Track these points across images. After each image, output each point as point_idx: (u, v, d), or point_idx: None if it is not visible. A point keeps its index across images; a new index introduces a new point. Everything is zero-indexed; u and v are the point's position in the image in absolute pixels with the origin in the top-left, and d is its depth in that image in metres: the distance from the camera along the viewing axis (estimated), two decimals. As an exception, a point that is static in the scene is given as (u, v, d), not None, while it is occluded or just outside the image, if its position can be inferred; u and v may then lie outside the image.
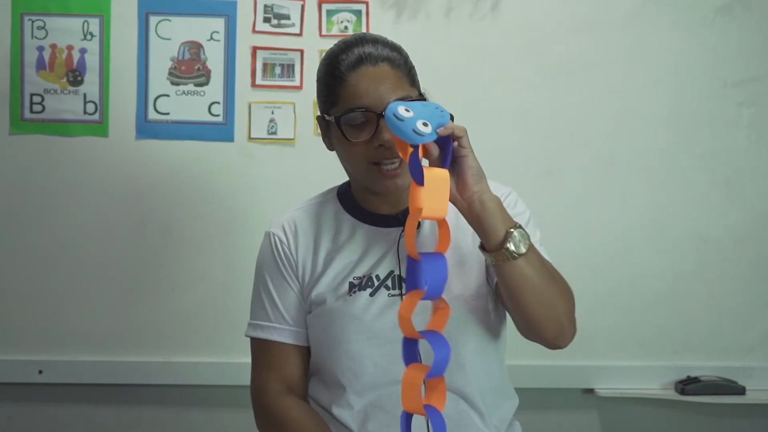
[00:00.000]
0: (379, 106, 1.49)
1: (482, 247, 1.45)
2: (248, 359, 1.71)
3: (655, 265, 2.63)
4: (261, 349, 1.67)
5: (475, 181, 1.42)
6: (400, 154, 1.34)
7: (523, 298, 1.45)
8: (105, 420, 2.60)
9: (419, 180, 1.28)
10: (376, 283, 1.59)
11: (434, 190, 1.28)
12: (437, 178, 1.30)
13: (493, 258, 1.42)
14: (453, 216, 1.48)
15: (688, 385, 2.60)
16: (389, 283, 1.59)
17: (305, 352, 1.67)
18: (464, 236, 1.60)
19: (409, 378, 1.26)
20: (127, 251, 2.55)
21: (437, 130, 1.34)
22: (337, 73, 1.53)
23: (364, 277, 1.60)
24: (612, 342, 2.63)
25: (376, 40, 1.56)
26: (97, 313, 2.55)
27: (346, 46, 1.56)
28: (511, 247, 1.41)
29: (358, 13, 2.54)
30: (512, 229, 1.42)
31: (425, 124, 1.32)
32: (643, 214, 2.62)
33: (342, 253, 1.62)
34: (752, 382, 2.64)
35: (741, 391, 2.61)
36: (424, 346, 1.30)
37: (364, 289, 1.59)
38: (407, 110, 1.32)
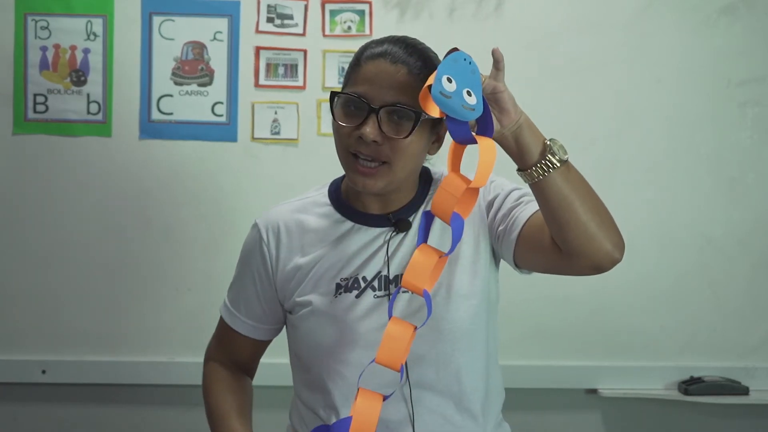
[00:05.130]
0: (375, 100, 1.46)
1: (521, 170, 1.44)
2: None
3: (659, 265, 2.63)
4: (223, 327, 1.72)
5: (514, 107, 1.42)
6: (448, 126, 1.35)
7: (578, 207, 1.42)
8: (108, 420, 2.60)
9: (468, 140, 1.33)
10: (363, 285, 1.57)
11: (485, 160, 1.32)
12: (488, 147, 1.33)
13: (539, 171, 1.41)
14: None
15: (691, 385, 2.60)
16: (375, 284, 1.56)
17: (260, 344, 1.71)
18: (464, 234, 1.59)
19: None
20: (130, 251, 2.55)
21: (483, 92, 1.36)
22: (358, 59, 1.52)
23: (350, 278, 1.57)
24: (615, 342, 2.63)
25: (413, 45, 1.53)
26: (100, 313, 2.55)
27: (383, 39, 1.54)
28: (553, 159, 1.41)
29: (361, 13, 2.54)
30: (547, 141, 1.43)
31: (469, 93, 1.33)
32: (647, 214, 2.62)
33: (330, 253, 1.59)
34: (755, 382, 2.64)
35: (744, 391, 2.61)
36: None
37: (350, 291, 1.56)
38: (450, 80, 1.32)
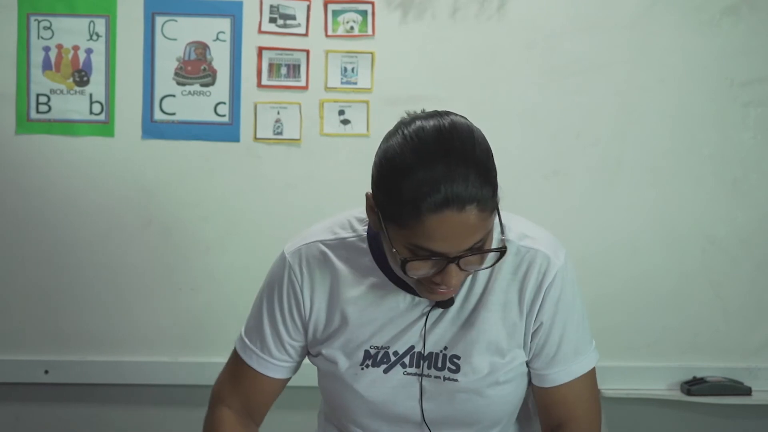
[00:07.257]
0: (454, 252, 1.27)
1: None
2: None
3: (662, 265, 2.63)
4: (239, 365, 1.57)
5: None
6: None
7: None
8: (111, 420, 2.60)
9: None
10: (393, 359, 1.46)
11: None
12: None
13: None
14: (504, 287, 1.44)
15: (694, 385, 2.60)
16: (407, 360, 1.46)
17: (276, 383, 1.57)
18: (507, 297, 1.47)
19: None
20: (133, 251, 2.55)
21: None
22: (413, 206, 1.25)
23: (380, 349, 1.46)
24: (618, 342, 2.63)
25: (467, 171, 1.25)
26: (103, 313, 2.55)
27: (432, 175, 1.25)
28: None
29: (363, 13, 2.54)
30: None
31: None
32: (650, 214, 2.62)
33: (364, 313, 1.46)
34: (758, 383, 2.64)
35: (747, 391, 2.61)
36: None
37: (378, 366, 1.46)
38: None
